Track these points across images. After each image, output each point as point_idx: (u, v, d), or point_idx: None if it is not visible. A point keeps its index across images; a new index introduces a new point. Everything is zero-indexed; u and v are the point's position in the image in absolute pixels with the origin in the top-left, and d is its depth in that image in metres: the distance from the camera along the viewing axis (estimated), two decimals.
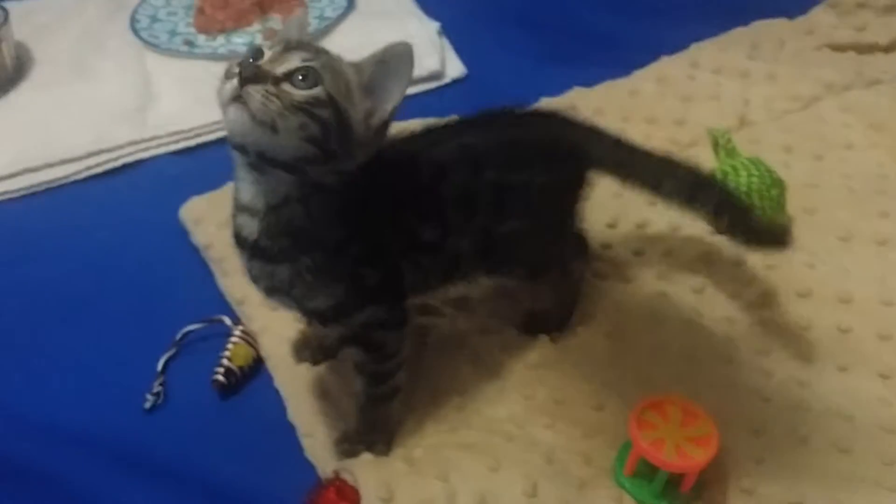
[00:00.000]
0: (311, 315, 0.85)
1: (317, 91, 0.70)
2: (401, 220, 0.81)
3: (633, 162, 0.89)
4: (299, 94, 0.69)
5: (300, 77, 0.69)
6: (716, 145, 1.16)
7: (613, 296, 1.01)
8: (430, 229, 0.83)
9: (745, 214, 0.90)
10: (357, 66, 0.74)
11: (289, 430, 0.91)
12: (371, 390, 0.88)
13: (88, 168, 1.26)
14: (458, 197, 0.83)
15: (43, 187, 1.24)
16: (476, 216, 0.84)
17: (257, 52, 0.71)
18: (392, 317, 0.85)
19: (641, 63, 1.38)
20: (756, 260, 1.03)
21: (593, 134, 0.90)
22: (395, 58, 0.72)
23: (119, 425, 0.92)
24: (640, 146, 0.90)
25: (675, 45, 1.41)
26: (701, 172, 0.91)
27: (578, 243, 0.98)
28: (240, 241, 0.79)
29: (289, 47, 0.72)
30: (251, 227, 0.77)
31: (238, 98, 0.68)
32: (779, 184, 1.06)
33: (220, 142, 1.28)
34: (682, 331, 0.97)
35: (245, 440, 0.91)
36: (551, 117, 0.92)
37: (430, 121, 0.91)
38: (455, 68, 1.45)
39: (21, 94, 1.40)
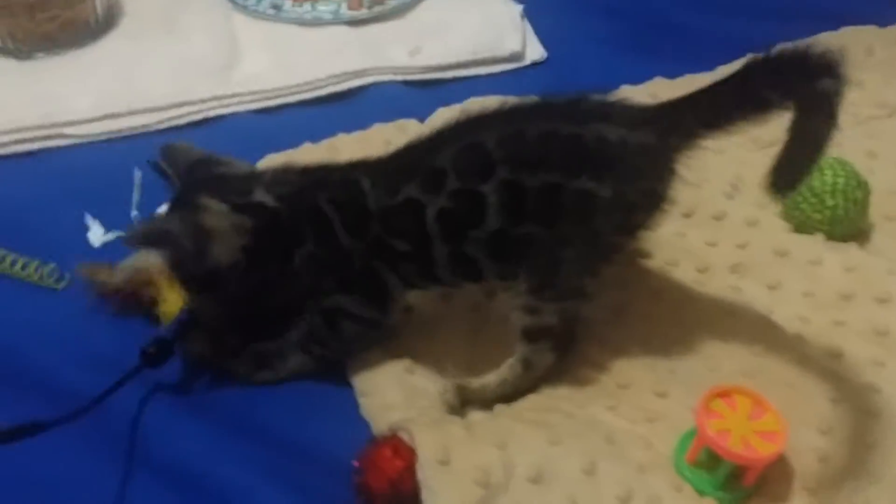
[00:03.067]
0: None
1: None
2: (364, 234, 0.86)
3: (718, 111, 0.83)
4: None
5: None
6: None
7: (685, 285, 1.00)
8: (405, 243, 0.85)
9: None
10: None
11: (347, 389, 0.92)
12: (304, 342, 0.92)
13: (170, 119, 1.27)
14: (455, 207, 0.83)
15: (124, 133, 1.26)
16: (484, 222, 0.83)
17: None
18: (363, 313, 0.90)
19: (726, 60, 1.35)
20: (834, 261, 1.01)
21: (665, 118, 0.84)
22: None
23: (178, 371, 0.93)
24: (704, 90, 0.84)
25: (762, 46, 1.37)
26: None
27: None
28: None
29: None
30: None
31: None
32: (864, 187, 1.03)
33: (301, 104, 1.33)
34: (753, 326, 0.95)
35: (302, 394, 0.92)
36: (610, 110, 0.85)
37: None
38: (535, 51, 1.44)
39: (109, 43, 1.42)
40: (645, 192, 0.84)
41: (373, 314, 0.90)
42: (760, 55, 0.82)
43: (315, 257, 0.87)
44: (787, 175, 0.79)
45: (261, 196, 0.88)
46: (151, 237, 0.86)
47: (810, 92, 0.77)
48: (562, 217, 0.82)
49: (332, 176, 0.90)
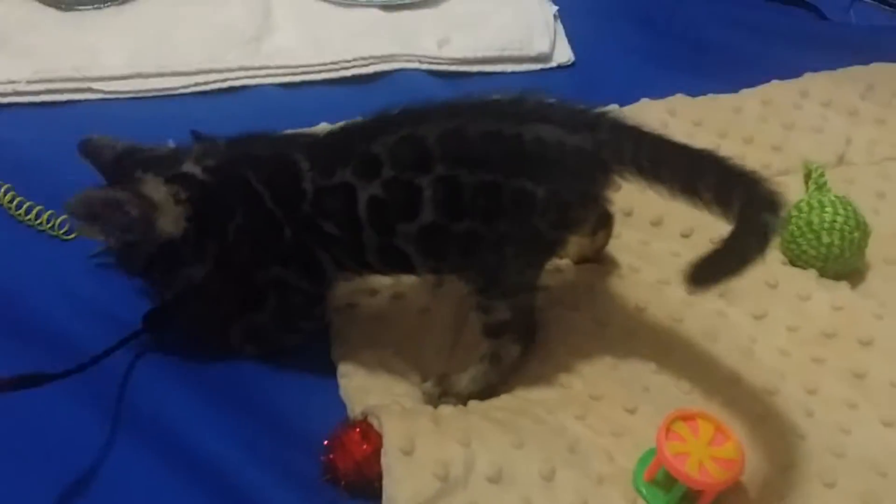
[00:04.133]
0: None
1: None
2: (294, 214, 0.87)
3: (659, 160, 0.83)
4: None
5: None
6: (807, 177, 1.14)
7: (671, 304, 1.01)
8: (335, 226, 0.86)
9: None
10: None
11: (331, 369, 0.95)
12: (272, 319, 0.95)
13: (197, 84, 1.31)
14: (388, 197, 0.84)
15: (152, 94, 1.29)
16: (418, 215, 0.84)
17: None
18: (301, 285, 0.91)
19: (751, 83, 1.36)
20: (823, 299, 1.02)
21: (617, 133, 0.84)
22: None
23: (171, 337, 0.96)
24: (663, 138, 0.84)
25: (789, 72, 1.38)
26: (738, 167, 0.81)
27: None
28: None
29: None
30: None
31: None
32: (863, 227, 1.04)
33: (325, 83, 1.35)
34: (733, 353, 0.96)
35: (287, 371, 0.95)
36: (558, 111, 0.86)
37: None
38: (563, 53, 1.45)
39: (144, 4, 1.45)
40: (579, 193, 0.86)
41: (311, 287, 0.92)
42: (722, 157, 0.82)
43: (246, 230, 0.88)
44: (707, 275, 0.79)
45: (189, 167, 0.88)
46: (95, 205, 0.85)
47: (754, 220, 0.77)
48: (500, 215, 0.84)
49: (265, 151, 0.90)
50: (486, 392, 0.92)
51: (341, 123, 0.91)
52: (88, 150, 0.90)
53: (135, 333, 0.93)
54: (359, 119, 0.89)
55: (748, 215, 0.77)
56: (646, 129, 0.85)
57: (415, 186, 0.82)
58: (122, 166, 0.88)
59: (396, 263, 0.90)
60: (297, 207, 0.86)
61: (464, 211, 0.83)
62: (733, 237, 0.77)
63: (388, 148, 0.84)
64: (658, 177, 0.82)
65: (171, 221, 0.86)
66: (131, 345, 0.93)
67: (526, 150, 0.83)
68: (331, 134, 0.91)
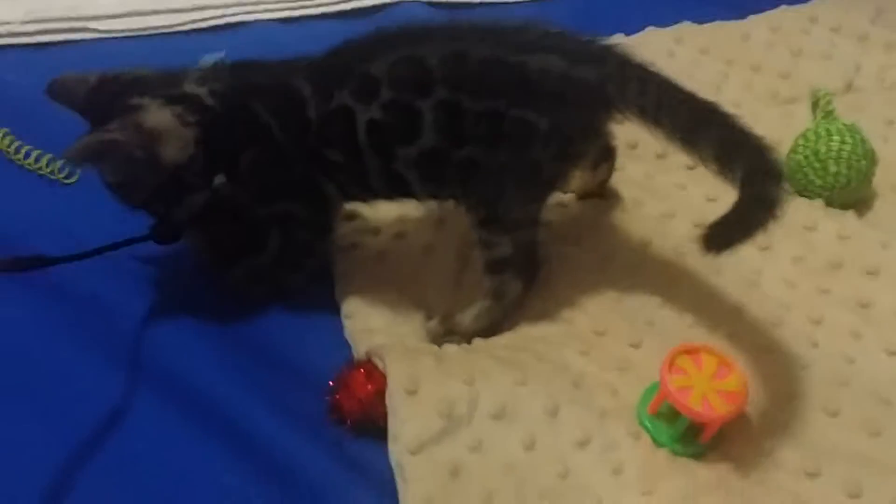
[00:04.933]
0: None
1: None
2: (298, 140, 0.85)
3: (664, 105, 0.81)
4: None
5: None
6: (815, 105, 1.12)
7: (676, 238, 1.00)
8: (338, 153, 0.85)
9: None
10: None
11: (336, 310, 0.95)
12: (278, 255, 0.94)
13: (194, 21, 1.29)
14: (387, 120, 0.82)
15: (147, 32, 1.28)
16: (419, 139, 0.82)
17: None
18: (309, 217, 0.91)
19: (759, 9, 1.33)
20: (829, 228, 1.01)
21: (620, 69, 0.82)
22: None
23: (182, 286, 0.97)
24: (671, 82, 0.82)
25: None
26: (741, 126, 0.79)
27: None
28: None
29: None
30: None
31: None
32: (870, 156, 1.02)
33: (324, 17, 1.32)
34: (738, 285, 0.96)
35: (295, 312, 0.95)
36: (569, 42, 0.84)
37: None
38: None
39: None
40: (581, 126, 0.85)
41: (318, 218, 0.92)
42: (728, 114, 0.79)
43: (258, 163, 0.86)
44: (721, 239, 0.78)
45: (192, 88, 0.85)
46: (95, 151, 0.81)
47: (759, 191, 0.75)
48: (500, 144, 0.82)
49: (268, 79, 0.88)
50: (490, 330, 0.92)
51: (337, 44, 0.88)
52: (58, 91, 0.86)
53: (140, 237, 0.92)
54: (355, 38, 0.87)
55: (753, 185, 0.76)
56: (653, 69, 0.83)
57: (415, 109, 0.81)
58: (101, 97, 0.84)
59: (400, 188, 0.89)
60: (304, 137, 0.85)
61: (465, 137, 0.82)
62: (740, 207, 0.76)
63: (386, 69, 0.82)
64: (659, 122, 0.81)
65: (177, 148, 0.83)
66: (144, 297, 0.95)
67: (530, 79, 0.81)
68: (327, 56, 0.88)
